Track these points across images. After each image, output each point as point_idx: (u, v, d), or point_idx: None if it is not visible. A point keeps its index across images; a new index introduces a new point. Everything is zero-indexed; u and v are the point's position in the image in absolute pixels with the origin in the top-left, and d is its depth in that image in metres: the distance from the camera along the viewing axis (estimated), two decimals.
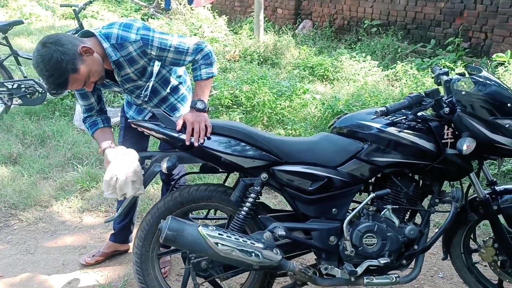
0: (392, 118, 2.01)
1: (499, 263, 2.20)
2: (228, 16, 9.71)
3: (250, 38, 7.81)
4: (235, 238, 1.90)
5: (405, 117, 2.00)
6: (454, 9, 6.84)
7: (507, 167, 3.52)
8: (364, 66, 6.31)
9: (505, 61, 5.22)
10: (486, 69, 5.04)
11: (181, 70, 2.45)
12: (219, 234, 1.88)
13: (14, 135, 4.22)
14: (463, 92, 1.97)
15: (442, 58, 6.40)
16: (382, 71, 6.23)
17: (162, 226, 1.90)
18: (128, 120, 2.34)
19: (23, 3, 10.25)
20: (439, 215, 3.02)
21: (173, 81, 2.39)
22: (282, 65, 6.89)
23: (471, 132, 1.93)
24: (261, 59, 7.14)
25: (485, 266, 2.40)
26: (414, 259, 2.11)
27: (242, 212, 2.01)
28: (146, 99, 2.32)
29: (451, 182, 2.14)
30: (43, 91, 4.46)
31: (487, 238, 2.21)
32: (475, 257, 2.33)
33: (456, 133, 1.98)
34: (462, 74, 2.12)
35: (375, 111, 1.94)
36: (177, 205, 2.11)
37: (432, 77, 2.16)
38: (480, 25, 6.54)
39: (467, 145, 1.90)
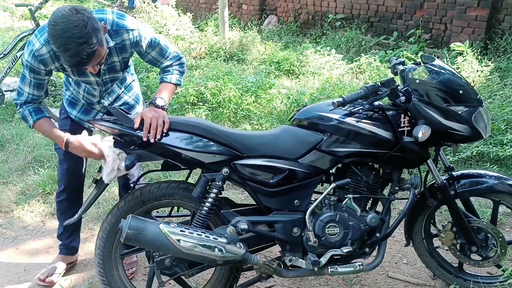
0: (350, 108, 2.04)
1: (458, 246, 2.26)
2: (193, 14, 9.62)
3: (216, 35, 7.76)
4: (197, 234, 1.89)
5: (362, 107, 2.03)
6: (414, 2, 6.97)
7: (466, 153, 3.63)
8: (329, 60, 6.37)
9: (463, 51, 5.36)
10: (445, 60, 5.18)
11: (133, 68, 2.42)
12: (181, 230, 1.87)
13: None
14: (417, 81, 2.01)
15: (405, 50, 6.52)
16: (346, 64, 6.30)
17: (122, 225, 1.86)
18: (86, 120, 2.28)
19: None
20: (402, 202, 3.08)
21: (129, 79, 2.35)
22: (248, 61, 6.88)
23: (427, 119, 1.98)
24: (227, 56, 7.11)
25: (446, 250, 2.46)
26: (377, 247, 2.15)
27: (205, 207, 2.00)
28: (103, 97, 2.27)
29: (410, 170, 2.18)
30: (1, 94, 4.32)
31: (446, 223, 2.27)
32: (436, 242, 2.38)
33: (413, 121, 2.02)
34: (418, 64, 2.17)
35: (332, 102, 1.96)
36: (138, 203, 2.08)
37: (389, 68, 2.20)
38: (440, 17, 6.69)
39: (422, 132, 1.95)
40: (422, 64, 2.13)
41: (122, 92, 2.34)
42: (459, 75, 2.08)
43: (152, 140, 1.91)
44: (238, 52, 7.21)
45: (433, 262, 2.38)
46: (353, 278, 2.52)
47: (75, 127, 2.29)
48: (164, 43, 2.17)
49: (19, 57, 4.43)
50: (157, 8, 8.93)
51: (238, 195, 3.36)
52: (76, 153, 2.02)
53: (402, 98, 2.01)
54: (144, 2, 9.10)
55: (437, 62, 2.07)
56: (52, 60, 1.99)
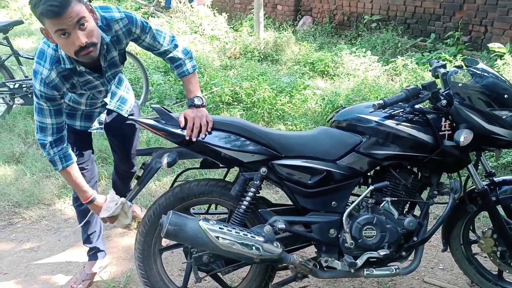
0: (390, 111, 2.03)
1: (498, 253, 2.22)
2: (228, 14, 9.72)
3: (251, 35, 7.82)
4: (235, 232, 1.92)
5: (402, 110, 2.02)
6: (453, 3, 6.83)
7: (506, 159, 3.53)
8: (364, 61, 6.31)
9: (504, 53, 5.22)
10: (485, 62, 5.05)
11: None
12: (219, 228, 1.90)
13: (16, 134, 4.25)
14: (460, 84, 1.98)
15: (442, 52, 6.39)
16: (382, 66, 6.23)
17: (163, 221, 1.92)
18: (129, 117, 2.33)
19: (23, 3, 10.28)
20: (440, 207, 3.03)
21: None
22: (283, 62, 6.90)
23: (469, 123, 1.95)
24: (262, 56, 7.16)
25: (485, 257, 2.41)
26: (414, 251, 2.13)
27: (242, 206, 2.03)
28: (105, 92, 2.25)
29: (450, 174, 2.15)
30: None
31: (486, 229, 2.23)
32: (475, 248, 2.34)
33: (454, 125, 1.99)
34: (460, 67, 2.14)
35: (372, 104, 1.96)
36: (178, 200, 2.13)
37: (430, 71, 2.17)
38: (480, 19, 6.53)
39: (464, 136, 1.92)
40: (464, 67, 2.10)
41: (115, 86, 2.33)
42: (503, 78, 2.04)
43: (194, 139, 1.95)
44: (272, 53, 7.24)
45: (471, 268, 2.33)
46: (387, 281, 2.51)
47: (80, 139, 2.32)
48: (155, 27, 2.12)
49: None
50: (193, 8, 9.07)
51: (272, 195, 3.38)
52: (93, 210, 2.19)
53: (444, 102, 1.98)
54: (180, 2, 9.27)
55: (481, 65, 2.04)
56: (62, 82, 1.95)
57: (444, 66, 2.17)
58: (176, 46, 2.17)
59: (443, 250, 2.35)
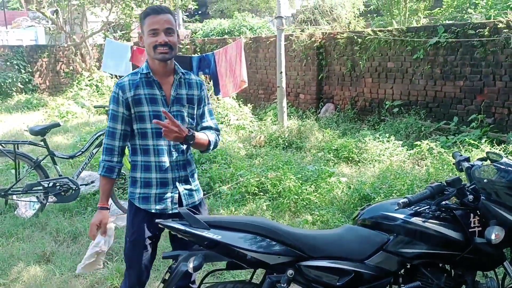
0: (416, 208, 2.01)
1: None
2: (253, 104, 10.09)
3: (275, 124, 8.04)
4: None
5: (428, 206, 2.00)
6: (473, 87, 6.94)
7: None
8: (388, 147, 6.35)
9: None
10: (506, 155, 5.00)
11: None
12: None
13: (48, 233, 4.33)
14: (485, 180, 1.97)
15: (467, 135, 6.39)
16: (406, 150, 6.24)
17: None
18: (156, 221, 2.34)
19: (61, 102, 10.96)
20: None
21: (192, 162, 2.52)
22: (307, 149, 7.00)
23: (498, 219, 1.91)
24: (286, 144, 7.29)
25: None
26: None
27: None
28: (174, 150, 2.34)
29: (485, 272, 2.06)
30: (76, 188, 4.64)
31: None
32: None
33: (483, 220, 1.95)
34: (484, 159, 2.14)
35: (397, 203, 1.96)
36: None
37: (454, 164, 2.18)
38: (502, 101, 6.58)
39: (495, 234, 1.88)
40: (488, 160, 2.10)
41: (191, 157, 2.45)
42: None
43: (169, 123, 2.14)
44: (296, 140, 7.38)
45: None
46: None
47: (156, 229, 2.37)
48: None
49: (95, 153, 4.80)
50: (219, 100, 9.46)
51: None
52: (92, 225, 2.35)
53: (470, 197, 1.97)
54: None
55: (505, 160, 2.04)
56: (129, 86, 2.27)
57: (467, 160, 2.18)
58: (217, 130, 2.48)
59: None
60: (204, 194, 5.22)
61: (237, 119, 8.82)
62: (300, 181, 5.01)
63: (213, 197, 5.07)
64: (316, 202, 4.69)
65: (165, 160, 2.33)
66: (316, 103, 9.62)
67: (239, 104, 9.54)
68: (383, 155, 6.17)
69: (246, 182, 5.10)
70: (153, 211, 2.35)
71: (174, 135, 2.14)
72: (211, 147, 2.39)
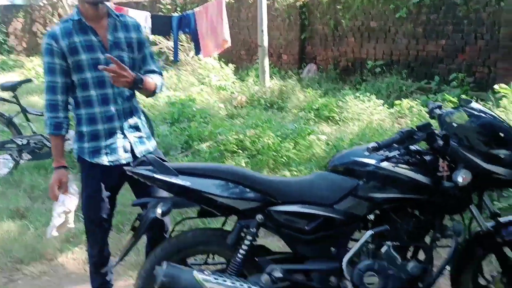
0: (386, 153, 2.00)
1: None
2: (235, 65, 9.94)
3: (256, 85, 7.96)
4: (231, 282, 1.87)
5: (398, 151, 1.99)
6: (455, 46, 6.92)
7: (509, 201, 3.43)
8: (369, 106, 6.35)
9: (508, 93, 5.20)
10: (491, 103, 5.04)
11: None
12: (214, 278, 1.86)
13: (22, 189, 4.28)
14: (455, 125, 1.97)
15: (447, 94, 6.40)
16: (387, 109, 6.25)
17: (157, 272, 1.88)
18: (125, 168, 2.27)
19: (38, 63, 10.68)
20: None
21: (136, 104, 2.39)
22: (288, 109, 6.97)
23: (466, 163, 1.91)
24: (268, 104, 7.24)
25: None
26: None
27: (239, 255, 1.98)
28: (119, 97, 2.24)
29: (452, 216, 2.09)
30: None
31: (496, 273, 2.14)
32: None
33: (452, 165, 1.96)
34: (456, 107, 2.13)
35: (367, 148, 1.94)
36: (175, 251, 2.09)
37: (427, 112, 2.17)
38: (483, 60, 6.58)
39: (462, 176, 1.88)
40: (460, 107, 2.09)
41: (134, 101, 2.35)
42: (500, 118, 2.02)
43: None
44: (278, 101, 7.33)
45: None
46: None
47: (113, 181, 2.31)
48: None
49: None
50: (200, 60, 9.30)
51: (276, 242, 3.31)
52: (51, 185, 2.27)
53: (440, 142, 1.96)
54: (187, 56, 9.52)
55: (475, 105, 2.03)
56: (62, 34, 2.12)
57: (440, 107, 2.16)
58: (161, 73, 2.37)
59: None
60: (182, 152, 5.20)
61: (219, 80, 8.70)
62: (279, 139, 5.00)
63: (192, 155, 5.03)
64: (295, 159, 4.70)
65: (111, 109, 2.21)
66: (299, 64, 9.52)
67: (220, 65, 9.40)
68: (364, 114, 6.17)
69: (225, 140, 5.07)
70: (106, 163, 2.24)
71: (123, 80, 2.04)
72: (157, 91, 2.30)
